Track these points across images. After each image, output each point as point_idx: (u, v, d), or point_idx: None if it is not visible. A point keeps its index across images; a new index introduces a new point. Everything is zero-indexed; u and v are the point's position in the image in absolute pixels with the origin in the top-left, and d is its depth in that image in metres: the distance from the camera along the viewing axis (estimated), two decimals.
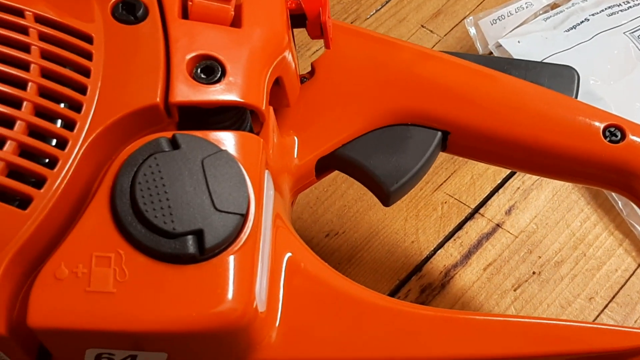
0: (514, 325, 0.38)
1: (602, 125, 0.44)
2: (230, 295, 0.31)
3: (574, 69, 0.47)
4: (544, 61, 0.61)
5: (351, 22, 0.65)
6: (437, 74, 0.45)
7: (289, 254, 0.37)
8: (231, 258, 0.32)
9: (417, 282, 0.53)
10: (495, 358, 0.37)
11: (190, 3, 0.37)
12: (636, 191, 0.44)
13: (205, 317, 0.31)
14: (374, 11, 0.66)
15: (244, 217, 0.33)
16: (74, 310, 0.30)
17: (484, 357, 0.37)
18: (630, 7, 0.64)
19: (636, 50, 0.62)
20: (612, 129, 0.44)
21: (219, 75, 0.36)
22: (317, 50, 0.62)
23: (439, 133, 0.45)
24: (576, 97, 0.46)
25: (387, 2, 0.66)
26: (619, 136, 0.44)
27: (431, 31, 0.65)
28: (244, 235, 0.33)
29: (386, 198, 0.45)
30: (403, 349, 0.37)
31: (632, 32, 0.63)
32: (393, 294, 0.53)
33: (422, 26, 0.65)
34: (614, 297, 0.53)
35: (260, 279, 0.33)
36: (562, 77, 0.47)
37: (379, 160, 0.44)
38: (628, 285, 0.54)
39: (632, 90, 0.60)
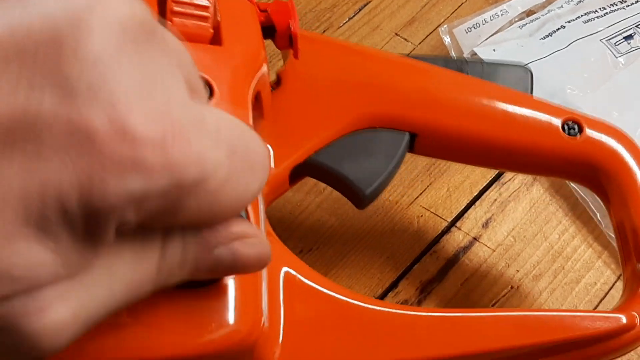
0: (503, 319, 0.41)
1: (560, 120, 0.46)
2: (238, 315, 0.31)
3: (528, 68, 0.49)
4: None
5: (324, 31, 0.64)
6: (401, 78, 0.47)
7: (285, 269, 0.39)
8: (236, 278, 0.32)
9: (393, 298, 0.53)
10: (487, 351, 0.40)
11: (169, 23, 0.36)
12: (598, 183, 0.46)
13: (215, 340, 0.31)
14: (347, 19, 0.65)
15: None
16: (86, 342, 0.29)
17: (478, 352, 0.40)
18: (607, 13, 0.63)
19: (612, 58, 0.61)
20: (570, 123, 0.46)
21: (208, 95, 0.35)
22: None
23: (407, 134, 0.46)
24: (531, 93, 0.48)
25: (360, 10, 0.65)
26: (577, 129, 0.46)
27: (405, 39, 0.64)
28: None
29: (361, 201, 0.46)
30: (404, 350, 0.39)
31: (609, 39, 0.62)
32: None
33: (396, 34, 0.64)
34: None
35: (264, 296, 0.34)
36: (516, 76, 0.49)
37: (351, 166, 0.45)
38: (607, 299, 0.53)
39: (609, 99, 0.59)
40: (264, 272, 0.35)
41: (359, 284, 0.53)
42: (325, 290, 0.39)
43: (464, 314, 0.41)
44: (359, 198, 0.45)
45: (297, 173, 0.45)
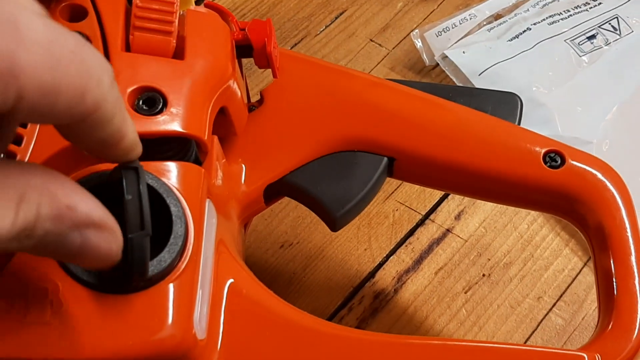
0: (452, 348, 0.40)
1: (542, 151, 0.45)
2: (169, 322, 0.32)
3: (517, 95, 0.49)
4: (488, 69, 0.63)
5: (302, 39, 0.67)
6: (383, 101, 0.47)
7: (230, 280, 0.38)
8: (170, 286, 0.32)
9: (371, 288, 0.55)
10: None
11: (131, 36, 0.38)
12: (577, 215, 0.45)
13: (144, 345, 0.31)
14: (324, 27, 0.68)
15: (183, 246, 0.33)
16: (11, 341, 0.30)
17: None
18: (570, 15, 0.66)
19: (576, 57, 0.64)
20: (552, 155, 0.45)
21: (160, 106, 0.36)
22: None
23: (385, 159, 0.46)
24: (519, 122, 0.48)
25: (336, 18, 0.68)
26: (559, 161, 0.45)
27: (380, 45, 0.67)
28: (182, 264, 0.33)
29: (333, 223, 0.46)
30: None
31: (572, 40, 0.65)
32: (347, 301, 0.54)
33: (371, 40, 0.67)
34: (561, 295, 0.55)
35: (200, 305, 0.34)
36: (505, 104, 0.48)
37: (326, 187, 0.45)
38: (575, 284, 0.56)
39: (573, 96, 0.62)
40: (207, 282, 0.36)
41: (338, 275, 0.55)
42: (268, 306, 0.39)
43: (419, 342, 0.41)
44: (331, 220, 0.46)
45: (272, 192, 0.46)
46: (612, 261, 0.43)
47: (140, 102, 0.36)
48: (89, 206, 0.27)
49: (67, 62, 0.24)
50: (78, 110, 0.25)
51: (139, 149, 0.29)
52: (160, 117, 0.36)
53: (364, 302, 0.54)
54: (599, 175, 0.45)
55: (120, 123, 0.27)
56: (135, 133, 0.29)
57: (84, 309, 0.31)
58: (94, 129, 0.27)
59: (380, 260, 0.56)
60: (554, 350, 0.42)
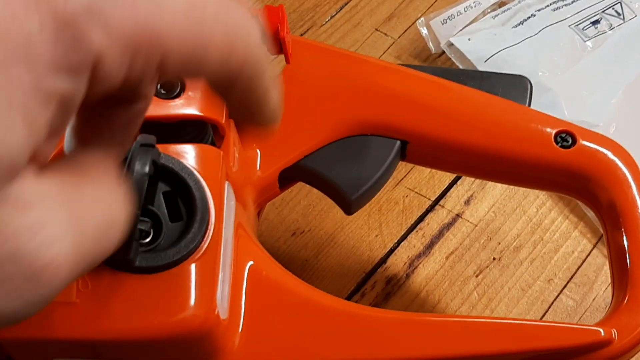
0: (468, 325, 0.40)
1: (553, 132, 0.46)
2: (192, 302, 0.32)
3: (526, 78, 0.49)
4: (494, 56, 0.63)
5: (307, 29, 0.67)
6: (395, 85, 0.47)
7: (250, 262, 0.39)
8: (192, 267, 0.33)
9: (383, 273, 0.55)
10: (450, 358, 0.39)
11: None
12: (588, 194, 0.46)
13: (168, 325, 0.32)
14: (329, 17, 0.68)
15: (205, 227, 0.34)
16: (38, 321, 0.30)
17: (439, 357, 0.39)
18: (574, 1, 0.67)
19: (581, 42, 0.64)
20: (564, 135, 0.46)
21: (178, 90, 0.37)
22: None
23: (398, 142, 0.47)
24: (529, 104, 0.48)
25: (341, 8, 0.69)
26: (570, 141, 0.46)
27: (385, 34, 0.67)
28: (204, 244, 0.34)
29: (348, 207, 0.46)
30: (362, 351, 0.39)
31: (577, 25, 0.65)
32: (360, 286, 0.55)
33: (377, 30, 0.68)
34: (571, 277, 0.56)
35: (222, 286, 0.34)
36: (515, 86, 0.49)
37: (340, 171, 0.46)
38: (585, 266, 0.56)
39: (578, 80, 0.62)
40: (228, 263, 0.36)
41: (350, 261, 0.56)
42: (288, 287, 0.39)
43: (437, 319, 0.41)
44: (346, 203, 0.46)
45: (287, 176, 0.46)
46: (625, 238, 0.43)
47: (159, 86, 0.37)
48: None
49: (211, 22, 0.25)
50: (228, 68, 0.26)
51: (281, 111, 0.31)
52: (179, 101, 0.37)
53: (376, 288, 0.55)
54: (610, 154, 0.46)
55: (271, 80, 0.28)
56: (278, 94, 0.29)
57: (109, 289, 0.32)
58: (247, 87, 0.27)
59: (392, 246, 0.57)
60: (570, 326, 0.43)
